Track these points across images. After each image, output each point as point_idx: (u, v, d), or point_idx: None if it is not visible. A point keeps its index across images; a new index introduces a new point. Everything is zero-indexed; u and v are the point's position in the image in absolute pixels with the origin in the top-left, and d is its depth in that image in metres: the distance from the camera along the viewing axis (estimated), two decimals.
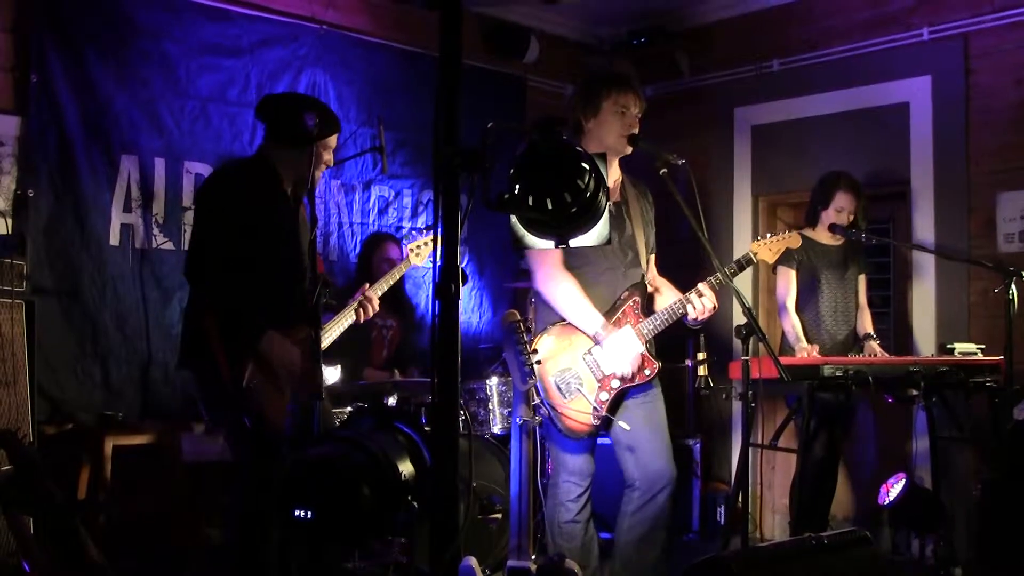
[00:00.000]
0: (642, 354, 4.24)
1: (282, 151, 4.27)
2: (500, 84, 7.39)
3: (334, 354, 4.56)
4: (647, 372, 4.26)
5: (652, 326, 4.26)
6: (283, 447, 4.11)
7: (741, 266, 4.38)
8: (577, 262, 4.28)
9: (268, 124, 4.35)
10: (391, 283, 4.94)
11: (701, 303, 4.20)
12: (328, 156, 4.33)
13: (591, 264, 4.29)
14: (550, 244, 2.47)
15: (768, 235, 4.56)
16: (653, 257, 4.61)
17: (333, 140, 4.35)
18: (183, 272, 4.19)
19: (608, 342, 4.18)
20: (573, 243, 2.47)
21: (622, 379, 4.21)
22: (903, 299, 6.59)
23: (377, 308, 4.65)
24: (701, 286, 4.22)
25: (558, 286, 4.24)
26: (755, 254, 4.48)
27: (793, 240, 4.61)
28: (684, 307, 4.23)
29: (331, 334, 4.44)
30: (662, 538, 4.32)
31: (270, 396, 4.06)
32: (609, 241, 2.51)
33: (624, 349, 4.19)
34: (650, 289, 4.47)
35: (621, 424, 4.23)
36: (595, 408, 4.16)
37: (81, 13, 5.40)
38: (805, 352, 5.34)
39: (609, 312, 4.27)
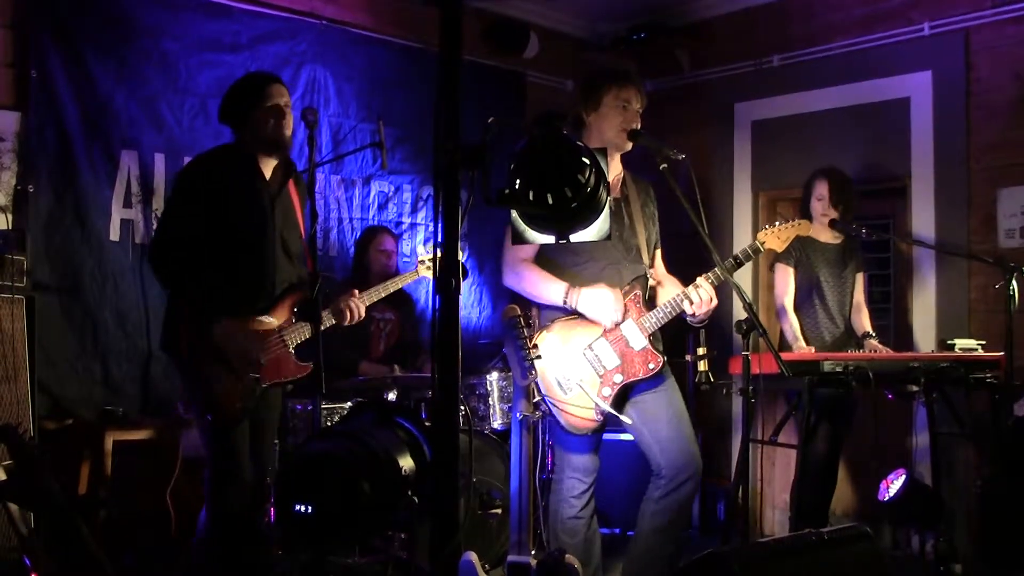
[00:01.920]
0: (646, 349, 4.21)
1: (245, 132, 4.31)
2: (500, 80, 7.39)
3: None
4: (651, 366, 4.21)
5: (654, 320, 4.22)
6: (244, 440, 4.19)
7: (747, 255, 4.30)
8: (579, 259, 4.27)
9: (225, 116, 4.38)
10: (389, 292, 4.87)
11: (698, 295, 4.15)
12: (278, 102, 4.29)
13: (593, 261, 4.28)
14: (551, 239, 2.47)
15: (777, 223, 4.51)
16: (659, 252, 4.58)
17: (275, 91, 4.32)
18: (147, 258, 4.30)
19: (581, 301, 4.15)
20: (574, 238, 2.47)
21: (625, 373, 4.18)
22: (903, 295, 6.59)
23: (363, 315, 4.57)
24: (699, 280, 4.19)
25: (517, 275, 4.25)
26: (763, 243, 4.40)
27: (803, 228, 4.56)
28: (682, 302, 4.19)
29: (303, 332, 4.37)
30: (679, 532, 4.32)
31: (223, 380, 4.10)
32: (609, 236, 2.51)
33: (600, 300, 4.14)
34: (652, 283, 4.46)
35: (623, 418, 4.21)
36: (597, 404, 4.15)
37: (81, 10, 5.40)
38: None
39: None
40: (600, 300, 4.15)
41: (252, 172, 4.30)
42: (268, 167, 4.36)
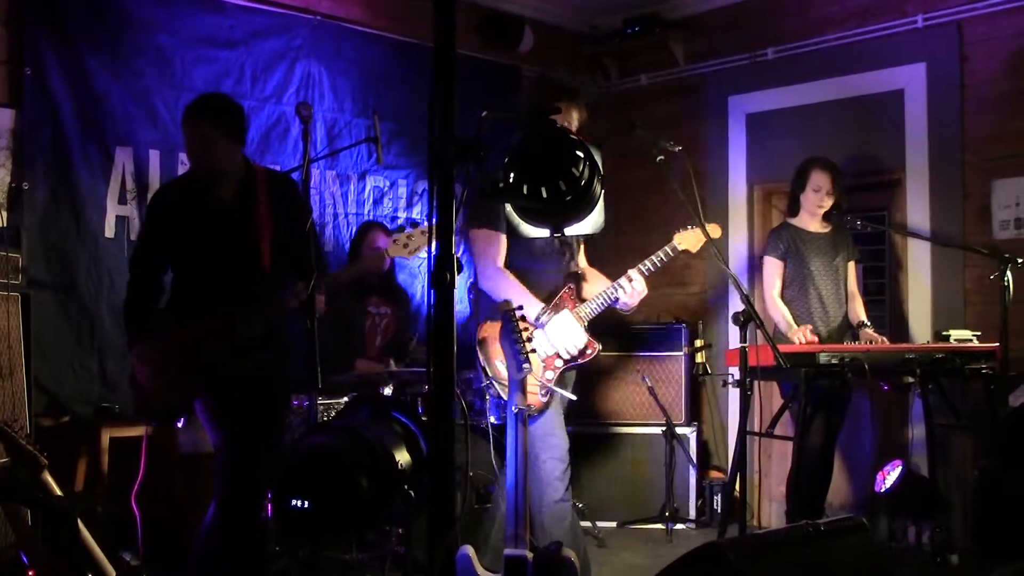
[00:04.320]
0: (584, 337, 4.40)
1: None
2: (494, 74, 7.38)
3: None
4: (588, 352, 4.40)
5: (588, 310, 4.42)
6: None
7: (663, 258, 4.49)
8: (525, 264, 4.45)
9: None
10: (345, 279, 4.81)
11: (631, 287, 4.39)
12: (191, 137, 4.36)
13: (541, 260, 4.48)
14: (545, 232, 2.48)
15: (690, 226, 4.59)
16: (583, 247, 4.77)
17: (190, 125, 4.36)
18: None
19: (549, 326, 4.33)
20: (568, 231, 2.47)
21: (565, 359, 4.38)
22: (898, 286, 6.60)
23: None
24: (631, 272, 4.40)
25: (499, 281, 4.38)
26: (679, 244, 4.58)
27: (713, 231, 4.61)
28: (616, 292, 4.40)
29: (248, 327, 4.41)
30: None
31: (153, 376, 4.29)
32: (604, 229, 2.52)
33: (564, 330, 4.34)
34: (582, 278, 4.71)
35: (567, 394, 4.41)
36: (542, 385, 4.32)
37: (75, 6, 5.39)
38: (799, 336, 5.35)
39: (547, 298, 4.42)
40: (568, 331, 4.36)
41: (201, 194, 4.41)
42: (220, 183, 4.43)
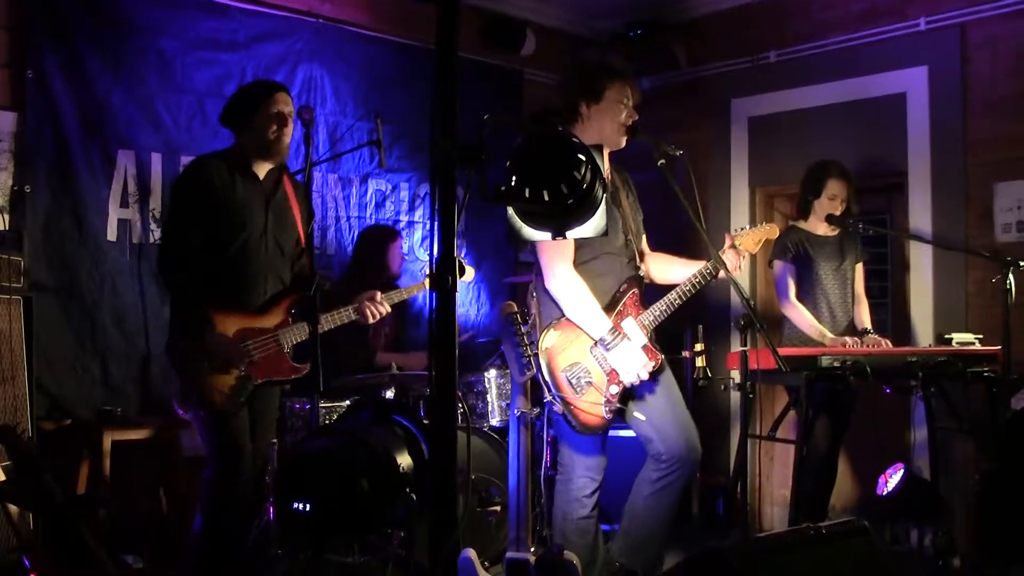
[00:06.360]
0: (645, 347, 4.21)
1: (244, 135, 4.42)
2: (497, 77, 7.39)
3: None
4: (652, 366, 4.22)
5: (652, 317, 4.23)
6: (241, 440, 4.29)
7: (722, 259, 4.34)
8: (584, 256, 4.24)
9: (228, 117, 4.48)
10: (410, 295, 4.91)
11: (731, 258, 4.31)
12: (282, 109, 4.37)
13: (598, 258, 4.26)
14: (547, 236, 2.47)
15: (745, 227, 4.54)
16: (644, 238, 4.58)
17: (281, 98, 4.40)
18: (157, 268, 4.50)
19: (616, 351, 4.14)
20: (570, 235, 2.47)
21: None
22: (901, 289, 6.60)
23: (385, 311, 4.62)
24: (680, 289, 4.27)
25: (569, 287, 4.17)
26: (739, 245, 4.47)
27: (771, 231, 4.59)
28: (678, 301, 4.23)
29: (299, 333, 4.41)
30: (670, 518, 4.31)
31: (213, 374, 4.21)
32: (606, 232, 2.51)
33: (631, 358, 4.14)
34: (648, 280, 4.47)
35: (637, 415, 4.20)
36: (607, 400, 4.14)
37: (77, 9, 5.39)
38: (841, 345, 5.31)
39: (610, 305, 4.23)
40: (636, 358, 4.15)
41: (245, 176, 4.41)
42: (262, 170, 4.47)
